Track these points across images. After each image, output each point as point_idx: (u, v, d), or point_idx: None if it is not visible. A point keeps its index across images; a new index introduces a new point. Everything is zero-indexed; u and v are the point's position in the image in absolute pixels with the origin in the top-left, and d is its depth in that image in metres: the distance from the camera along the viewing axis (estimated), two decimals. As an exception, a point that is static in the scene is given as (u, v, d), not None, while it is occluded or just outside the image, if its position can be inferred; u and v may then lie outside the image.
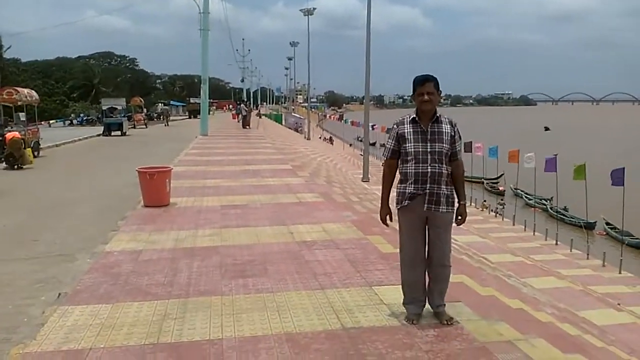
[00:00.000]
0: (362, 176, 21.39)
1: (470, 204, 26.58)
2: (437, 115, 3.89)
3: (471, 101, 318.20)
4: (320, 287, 4.85)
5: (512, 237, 17.79)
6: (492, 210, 23.71)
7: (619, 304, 10.65)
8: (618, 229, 19.57)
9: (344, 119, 62.95)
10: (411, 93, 3.95)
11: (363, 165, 22.45)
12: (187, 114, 60.10)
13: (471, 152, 24.69)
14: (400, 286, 4.19)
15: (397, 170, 4.02)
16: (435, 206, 3.83)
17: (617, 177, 15.62)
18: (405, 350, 3.60)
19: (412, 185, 3.83)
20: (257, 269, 5.41)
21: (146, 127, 37.53)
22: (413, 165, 3.82)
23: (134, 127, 35.93)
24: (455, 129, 3.94)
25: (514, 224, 20.47)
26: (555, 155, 18.71)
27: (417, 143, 3.82)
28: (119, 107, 31.17)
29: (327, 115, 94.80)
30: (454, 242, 9.79)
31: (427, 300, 4.14)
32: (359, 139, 48.21)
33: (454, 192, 3.96)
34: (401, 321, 4.07)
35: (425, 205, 3.82)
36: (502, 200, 27.21)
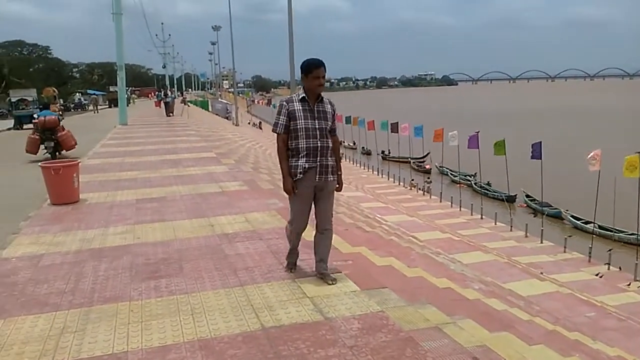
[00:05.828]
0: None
1: (399, 184, 27.08)
2: (321, 96, 4.36)
3: (396, 82, 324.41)
4: (239, 284, 4.51)
5: (439, 214, 18.17)
6: (419, 189, 24.17)
7: (542, 273, 11.09)
8: (537, 200, 20.47)
9: (272, 103, 62.27)
10: (303, 74, 4.27)
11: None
12: (107, 103, 57.24)
13: (397, 132, 24.94)
14: (288, 241, 4.72)
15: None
16: (325, 176, 4.32)
17: (536, 150, 16.13)
18: (329, 347, 3.35)
19: (304, 159, 4.24)
20: (171, 268, 4.98)
21: (62, 119, 35.33)
22: (304, 140, 4.23)
23: None
24: (334, 109, 4.43)
25: (441, 201, 20.96)
26: (477, 132, 19.18)
27: (307, 120, 4.24)
28: (29, 99, 29.01)
29: (255, 101, 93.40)
30: (384, 222, 9.77)
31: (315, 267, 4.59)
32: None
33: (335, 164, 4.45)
34: (325, 315, 3.83)
35: (317, 176, 4.28)
36: (428, 178, 27.89)
